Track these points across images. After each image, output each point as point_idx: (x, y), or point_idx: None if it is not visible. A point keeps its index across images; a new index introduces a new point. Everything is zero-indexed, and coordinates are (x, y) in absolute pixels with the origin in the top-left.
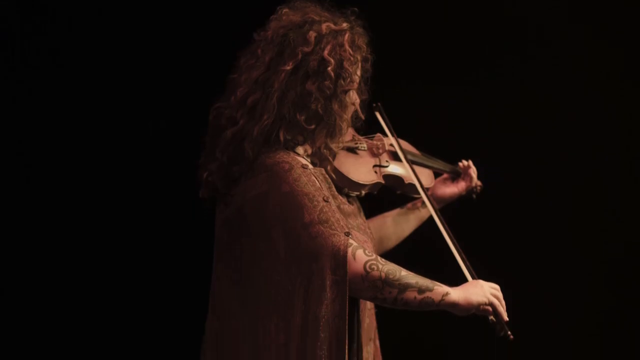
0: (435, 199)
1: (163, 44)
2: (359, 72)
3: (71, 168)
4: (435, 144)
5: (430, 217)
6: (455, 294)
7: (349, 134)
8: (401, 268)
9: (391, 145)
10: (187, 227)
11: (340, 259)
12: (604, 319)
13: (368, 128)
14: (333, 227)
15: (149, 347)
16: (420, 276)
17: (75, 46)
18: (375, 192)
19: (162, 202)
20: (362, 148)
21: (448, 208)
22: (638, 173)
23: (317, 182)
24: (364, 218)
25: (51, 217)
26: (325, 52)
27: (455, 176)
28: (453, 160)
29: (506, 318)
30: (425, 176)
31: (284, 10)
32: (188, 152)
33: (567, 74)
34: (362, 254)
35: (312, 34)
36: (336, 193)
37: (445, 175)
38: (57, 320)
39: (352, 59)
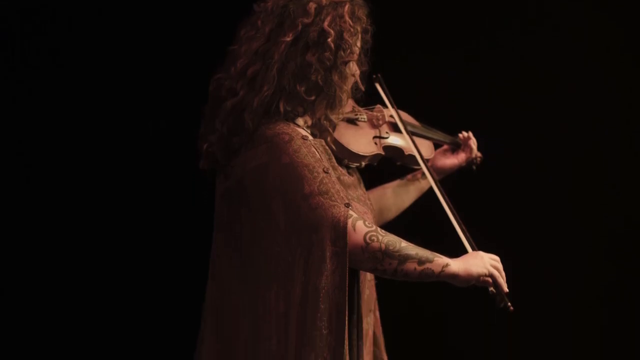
0: (435, 170)
1: (163, 44)
2: (359, 44)
3: (71, 168)
4: (435, 116)
5: (430, 189)
6: (455, 265)
7: (348, 105)
8: (401, 239)
9: (391, 116)
10: (187, 227)
11: (340, 230)
12: (604, 292)
13: (368, 99)
14: (333, 198)
15: (146, 344)
16: (420, 247)
17: (75, 46)
18: (375, 164)
19: (161, 202)
20: (362, 119)
21: (448, 179)
22: (638, 146)
23: (317, 153)
24: (364, 189)
25: (51, 217)
26: (325, 24)
27: (455, 147)
28: (453, 131)
29: (506, 289)
30: (425, 147)
31: None
32: (188, 151)
33: (567, 47)
34: (362, 225)
35: (312, 5)
36: (336, 164)
37: (445, 147)
38: (58, 316)
39: (352, 30)
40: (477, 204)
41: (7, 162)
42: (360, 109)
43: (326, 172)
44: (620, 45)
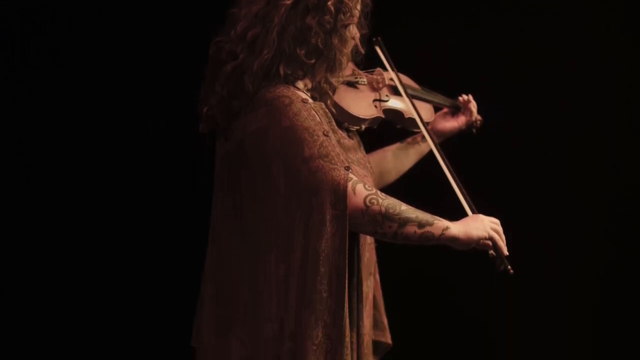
0: (435, 133)
1: (163, 44)
2: (359, 7)
3: (71, 168)
4: (435, 79)
5: (430, 152)
6: (455, 228)
7: (348, 68)
8: (401, 202)
9: (391, 79)
10: (187, 227)
11: (340, 193)
12: (604, 270)
13: (368, 62)
14: (333, 161)
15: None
16: (420, 210)
17: (75, 46)
18: (375, 127)
19: (161, 202)
20: (362, 82)
21: (448, 142)
22: (638, 125)
23: (317, 116)
24: (364, 152)
25: (51, 216)
26: None
27: (455, 110)
28: (453, 94)
29: (506, 252)
30: (425, 110)
31: None
32: (188, 151)
33: (567, 25)
34: (362, 189)
35: None
36: (336, 127)
37: (445, 110)
38: (59, 313)
39: None
40: (476, 168)
41: (7, 162)
42: (360, 72)
43: (326, 136)
44: (621, 24)
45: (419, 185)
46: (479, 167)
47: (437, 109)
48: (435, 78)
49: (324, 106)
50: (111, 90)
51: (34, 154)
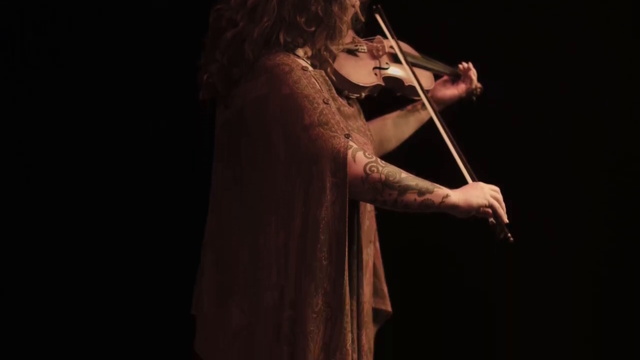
0: (435, 101)
1: (164, 44)
2: None
3: (71, 168)
4: (435, 46)
5: (430, 119)
6: (455, 196)
7: (348, 36)
8: (401, 170)
9: (391, 47)
10: (187, 227)
11: (340, 161)
12: (603, 241)
13: (368, 30)
14: (333, 129)
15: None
16: (420, 178)
17: (75, 46)
18: (375, 94)
19: (161, 202)
20: (362, 50)
21: (448, 110)
22: (638, 110)
23: (317, 84)
24: (364, 120)
25: (51, 216)
26: None
27: (455, 78)
28: (453, 62)
29: (506, 220)
30: (425, 78)
31: None
32: (188, 151)
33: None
34: (362, 156)
35: None
36: (336, 95)
37: (445, 78)
38: (61, 291)
39: None
40: (476, 136)
41: (7, 162)
42: (360, 40)
43: (326, 103)
44: (621, 5)
45: (419, 153)
46: (479, 135)
47: (437, 76)
48: (435, 40)
49: (324, 74)
50: (111, 90)
51: (34, 154)
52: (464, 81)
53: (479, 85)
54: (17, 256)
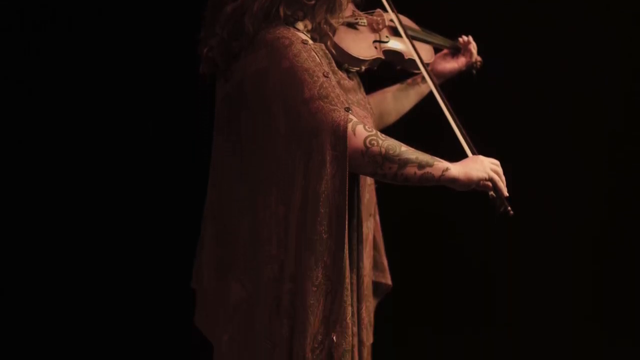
0: (435, 75)
1: (164, 44)
2: None
3: (71, 168)
4: (435, 21)
5: (430, 93)
6: (455, 169)
7: (348, 9)
8: (401, 143)
9: (391, 20)
10: (187, 200)
11: (340, 134)
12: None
13: (368, 4)
14: (333, 102)
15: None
16: (420, 152)
17: (75, 46)
18: (375, 68)
19: (162, 201)
20: (362, 24)
21: (448, 84)
22: (638, 89)
23: (317, 57)
24: (364, 93)
25: (52, 216)
26: None
27: (455, 52)
28: (453, 36)
29: (506, 194)
30: (425, 52)
31: None
32: (188, 151)
33: None
34: (362, 130)
35: None
36: (336, 69)
37: (445, 51)
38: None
39: None
40: (477, 110)
41: (7, 162)
42: (360, 13)
43: (326, 77)
44: None
45: (419, 127)
46: (479, 109)
47: (437, 50)
48: (435, 14)
49: (324, 47)
50: (112, 89)
51: (34, 154)
52: (464, 54)
53: (479, 58)
54: (17, 255)
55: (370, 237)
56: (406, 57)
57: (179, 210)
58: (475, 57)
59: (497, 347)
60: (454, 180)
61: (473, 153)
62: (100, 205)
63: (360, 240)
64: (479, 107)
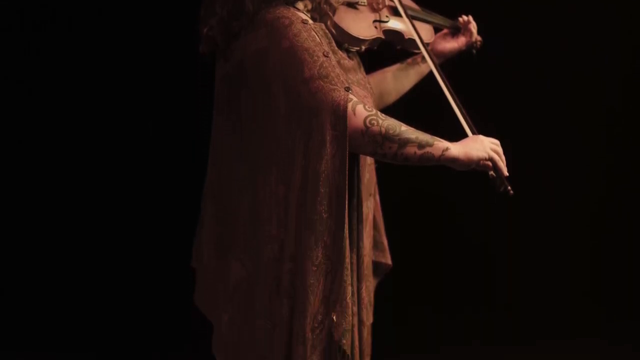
0: (435, 54)
1: (163, 44)
2: None
3: (70, 167)
4: (435, 0)
5: (430, 72)
6: (455, 149)
7: None
8: (401, 123)
9: (391, 0)
10: (187, 180)
11: (340, 114)
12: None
13: None
14: (333, 82)
15: None
16: (420, 131)
17: (75, 46)
18: (375, 48)
19: (162, 201)
20: (362, 3)
21: (448, 63)
22: (636, 60)
23: (317, 37)
24: (364, 73)
25: (52, 215)
26: None
27: (455, 31)
28: (453, 15)
29: (506, 173)
30: (425, 31)
31: None
32: (187, 152)
33: None
34: (362, 109)
35: None
36: (336, 48)
37: (445, 31)
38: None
39: None
40: (477, 89)
41: (7, 162)
42: None
43: (326, 56)
44: None
45: (418, 106)
46: (479, 88)
47: (437, 29)
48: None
49: (324, 27)
50: (111, 89)
51: (33, 154)
52: (464, 34)
53: (479, 38)
54: (17, 253)
55: (370, 216)
56: (406, 37)
57: (178, 190)
58: (476, 36)
59: (497, 326)
60: (454, 160)
61: (473, 132)
62: (103, 187)
63: (360, 220)
64: (478, 87)
